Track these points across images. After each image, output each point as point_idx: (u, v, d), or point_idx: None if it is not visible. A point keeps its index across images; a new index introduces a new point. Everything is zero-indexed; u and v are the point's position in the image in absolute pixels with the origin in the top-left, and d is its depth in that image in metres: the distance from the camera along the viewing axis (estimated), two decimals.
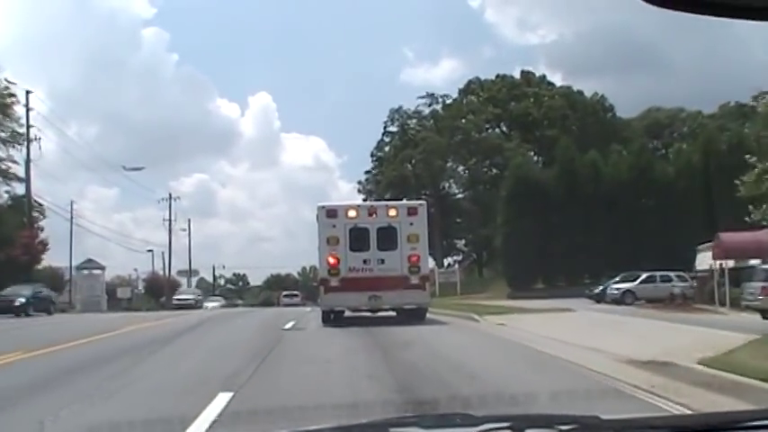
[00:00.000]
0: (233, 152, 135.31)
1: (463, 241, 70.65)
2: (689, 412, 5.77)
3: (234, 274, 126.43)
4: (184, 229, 74.45)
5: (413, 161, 61.23)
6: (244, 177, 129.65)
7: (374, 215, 18.20)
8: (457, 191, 66.28)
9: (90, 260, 58.59)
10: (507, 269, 47.62)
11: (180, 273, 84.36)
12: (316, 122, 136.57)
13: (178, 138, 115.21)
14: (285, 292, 72.86)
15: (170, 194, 69.28)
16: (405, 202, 26.92)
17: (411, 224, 17.98)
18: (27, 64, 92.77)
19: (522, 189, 45.33)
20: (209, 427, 5.88)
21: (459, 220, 65.75)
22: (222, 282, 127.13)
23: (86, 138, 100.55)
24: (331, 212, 18.19)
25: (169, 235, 68.99)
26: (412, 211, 18.44)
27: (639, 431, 2.43)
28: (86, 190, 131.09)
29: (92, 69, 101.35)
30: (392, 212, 18.31)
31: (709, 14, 2.01)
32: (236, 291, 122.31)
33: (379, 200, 71.68)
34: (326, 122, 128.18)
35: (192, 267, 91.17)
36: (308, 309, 34.71)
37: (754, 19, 2.05)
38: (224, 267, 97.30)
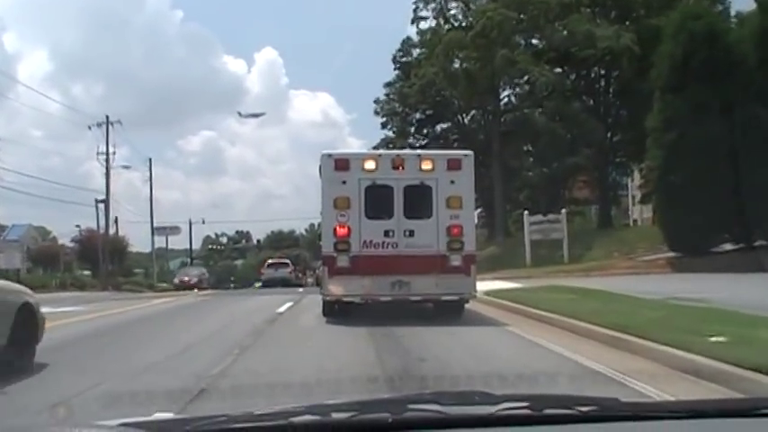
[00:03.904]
0: (240, 109, 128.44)
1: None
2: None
3: (237, 232, 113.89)
4: (127, 167, 51.78)
5: (461, 53, 37.66)
6: (252, 135, 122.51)
7: (401, 168, 12.75)
8: (521, 101, 42.51)
9: None
10: (667, 217, 24.39)
11: (157, 230, 64.22)
12: (324, 78, 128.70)
13: (185, 96, 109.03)
14: (270, 260, 50.33)
15: (107, 117, 46.29)
16: (444, 151, 18.40)
17: (452, 182, 12.60)
18: (30, 24, 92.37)
19: (701, 60, 22.20)
20: None
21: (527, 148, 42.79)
22: (225, 240, 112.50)
23: (93, 97, 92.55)
24: (340, 163, 12.77)
25: (107, 174, 46.03)
26: (453, 164, 12.76)
27: (658, 414, 2.29)
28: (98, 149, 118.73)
29: (95, 28, 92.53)
30: (426, 165, 12.72)
31: None
32: (239, 249, 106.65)
33: (407, 119, 50.13)
34: (335, 78, 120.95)
35: (174, 225, 71.27)
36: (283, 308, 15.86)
37: None
38: (203, 222, 74.90)
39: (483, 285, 19.64)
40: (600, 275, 21.95)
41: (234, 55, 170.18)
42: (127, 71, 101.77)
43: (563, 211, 31.25)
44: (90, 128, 45.14)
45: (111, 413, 4.66)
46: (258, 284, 54.64)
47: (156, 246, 67.98)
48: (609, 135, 42.70)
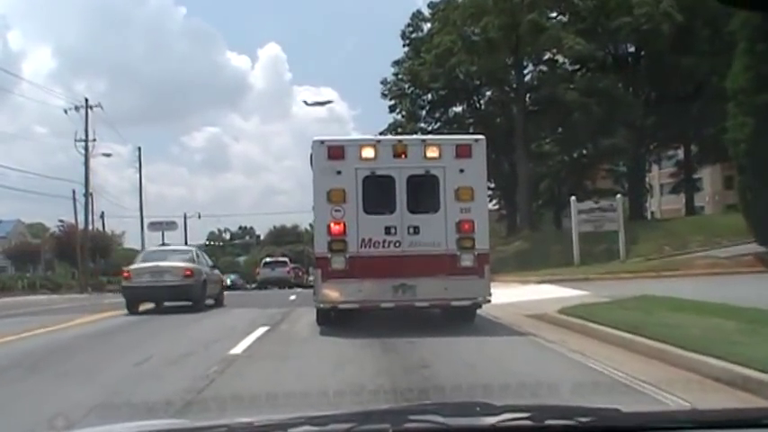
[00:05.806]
0: (244, 105, 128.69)
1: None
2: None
3: (240, 227, 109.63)
4: (108, 155, 47.13)
5: (482, 21, 32.40)
6: (256, 130, 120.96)
7: (403, 156, 11.17)
8: (548, 77, 37.19)
9: None
10: (756, 201, 19.12)
11: (152, 225, 60.09)
12: (327, 73, 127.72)
13: (188, 92, 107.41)
14: (267, 259, 46.36)
15: (86, 99, 41.51)
16: (452, 136, 17.28)
17: (461, 171, 11.06)
18: (33, 21, 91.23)
19: None
20: None
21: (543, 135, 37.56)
22: (228, 236, 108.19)
23: (96, 93, 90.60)
24: (334, 151, 11.14)
25: (86, 162, 41.20)
26: (463, 151, 11.12)
27: (660, 424, 2.21)
28: (101, 146, 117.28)
29: (98, 25, 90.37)
30: (432, 152, 11.16)
31: None
32: (241, 245, 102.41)
33: (418, 101, 44.99)
34: (339, 73, 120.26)
35: (171, 220, 66.96)
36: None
37: None
38: (199, 217, 70.40)
39: (536, 292, 14.58)
40: (678, 276, 16.92)
41: (237, 51, 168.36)
42: (130, 67, 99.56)
43: (618, 196, 26.01)
44: (66, 112, 40.37)
45: None
46: (228, 281, 48.42)
47: (158, 242, 63.75)
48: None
